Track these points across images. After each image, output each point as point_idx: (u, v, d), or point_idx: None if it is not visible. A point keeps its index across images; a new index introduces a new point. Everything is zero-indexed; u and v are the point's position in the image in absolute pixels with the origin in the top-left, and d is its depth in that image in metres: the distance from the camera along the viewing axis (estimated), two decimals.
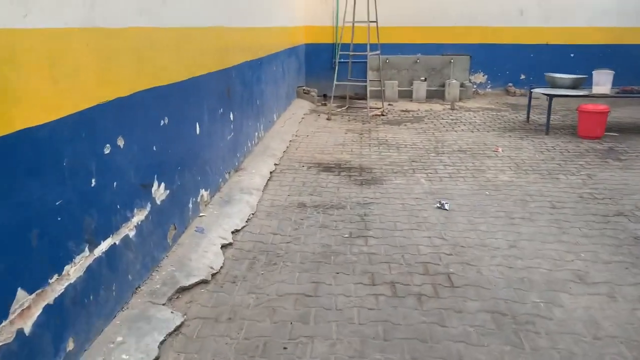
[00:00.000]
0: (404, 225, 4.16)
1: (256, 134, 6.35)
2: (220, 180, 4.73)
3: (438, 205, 4.56)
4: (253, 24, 6.20)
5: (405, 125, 8.23)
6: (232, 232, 3.92)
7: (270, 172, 5.50)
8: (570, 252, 3.65)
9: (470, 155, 6.29)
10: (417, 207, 4.56)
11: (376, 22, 8.96)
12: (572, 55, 11.03)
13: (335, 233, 4.00)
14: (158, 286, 3.03)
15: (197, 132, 4.06)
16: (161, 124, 3.32)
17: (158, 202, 3.27)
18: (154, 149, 3.20)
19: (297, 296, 3.08)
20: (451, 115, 8.99)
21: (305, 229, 4.09)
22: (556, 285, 3.19)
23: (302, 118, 8.72)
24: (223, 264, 3.47)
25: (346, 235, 3.95)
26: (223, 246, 3.68)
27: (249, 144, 5.95)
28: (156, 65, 3.24)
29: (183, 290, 3.08)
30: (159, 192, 3.29)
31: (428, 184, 5.20)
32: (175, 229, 3.57)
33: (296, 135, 7.42)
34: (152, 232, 3.18)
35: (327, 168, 5.79)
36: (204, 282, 3.20)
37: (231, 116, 5.08)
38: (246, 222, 4.17)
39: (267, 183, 5.17)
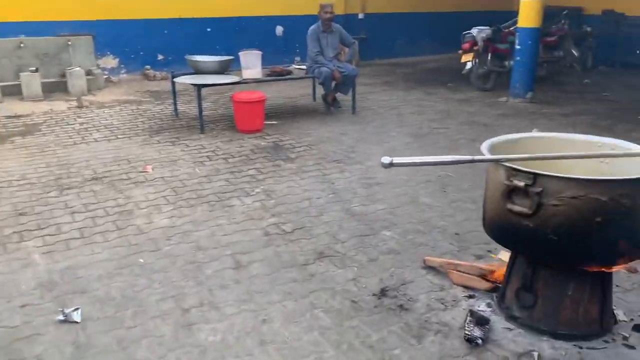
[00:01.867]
0: None
1: None
2: None
3: (62, 316, 2.66)
4: None
5: (12, 141, 5.71)
6: None
7: None
8: None
9: (110, 185, 4.44)
10: (22, 329, 2.55)
11: None
12: (208, 29, 10.03)
13: None
14: None
15: None
16: None
17: None
18: None
19: None
20: (80, 117, 6.80)
21: None
22: None
23: None
24: None
25: None
26: None
27: None
28: None
29: None
30: None
31: (45, 263, 3.19)
32: None
33: None
34: None
35: None
36: None
37: None
38: None
39: None
